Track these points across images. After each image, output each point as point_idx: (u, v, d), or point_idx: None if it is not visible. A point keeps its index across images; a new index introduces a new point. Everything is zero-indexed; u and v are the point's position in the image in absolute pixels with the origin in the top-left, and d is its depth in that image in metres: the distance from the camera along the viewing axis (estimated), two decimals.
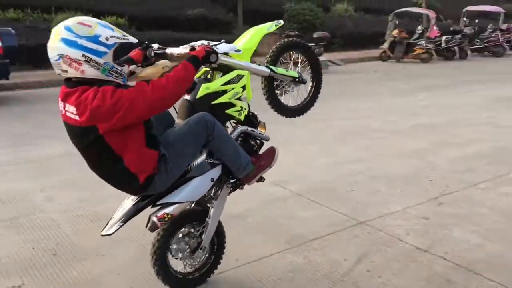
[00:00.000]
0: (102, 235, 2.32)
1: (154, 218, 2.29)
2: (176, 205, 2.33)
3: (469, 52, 17.07)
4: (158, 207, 2.31)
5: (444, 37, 15.90)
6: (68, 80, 2.06)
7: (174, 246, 2.51)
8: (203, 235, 2.57)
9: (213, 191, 2.60)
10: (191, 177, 2.38)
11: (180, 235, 2.52)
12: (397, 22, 16.19)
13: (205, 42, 2.44)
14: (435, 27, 16.12)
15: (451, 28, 17.05)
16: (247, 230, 3.43)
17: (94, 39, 1.99)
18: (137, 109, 1.99)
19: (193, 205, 2.61)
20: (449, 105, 8.19)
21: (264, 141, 2.83)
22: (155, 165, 2.20)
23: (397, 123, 6.80)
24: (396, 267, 2.89)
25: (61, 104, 2.08)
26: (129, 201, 2.36)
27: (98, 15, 14.47)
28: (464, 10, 19.21)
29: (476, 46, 17.73)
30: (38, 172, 4.71)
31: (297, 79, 2.93)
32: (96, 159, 2.16)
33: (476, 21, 19.59)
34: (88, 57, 1.97)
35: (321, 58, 12.76)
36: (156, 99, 2.03)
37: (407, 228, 3.42)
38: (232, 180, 2.61)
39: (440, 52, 15.97)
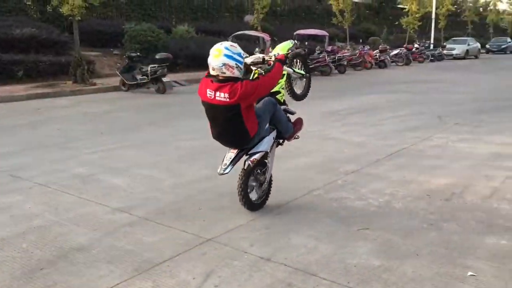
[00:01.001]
0: (220, 174, 3.90)
1: (249, 162, 3.88)
2: (259, 154, 3.92)
3: None
4: (249, 156, 3.90)
5: None
6: (215, 77, 3.62)
7: (251, 182, 4.05)
8: (266, 174, 4.15)
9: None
10: (263, 136, 3.99)
11: (252, 176, 4.04)
12: None
13: (261, 55, 4.15)
14: (270, 49, 17.34)
15: None
16: (92, 262, 3.26)
17: (240, 54, 3.58)
18: (262, 91, 3.73)
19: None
20: None
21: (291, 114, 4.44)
22: (257, 127, 3.82)
23: None
24: (242, 278, 3.02)
25: (211, 92, 3.62)
26: (231, 153, 3.91)
27: None
28: (294, 33, 21.02)
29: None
30: None
31: (303, 76, 4.60)
32: (229, 125, 3.73)
33: (306, 43, 21.58)
34: (237, 65, 3.55)
35: (164, 79, 12.82)
36: (270, 84, 3.82)
37: (251, 239, 3.60)
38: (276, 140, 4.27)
39: None
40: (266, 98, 3.97)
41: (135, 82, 13.01)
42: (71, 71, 13.96)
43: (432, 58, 29.22)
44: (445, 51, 31.80)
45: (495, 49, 41.20)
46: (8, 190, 4.83)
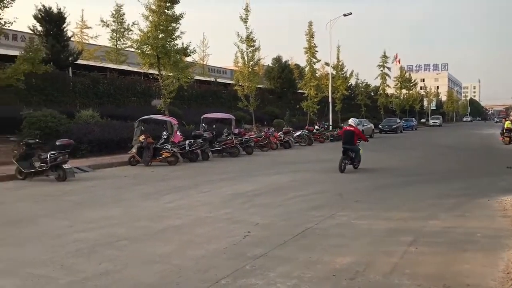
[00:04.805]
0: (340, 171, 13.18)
1: (352, 155, 14.09)
2: (355, 155, 14.12)
3: (210, 153, 18.88)
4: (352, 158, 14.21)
5: (187, 141, 17.27)
6: (349, 126, 14.46)
7: (345, 161, 14.02)
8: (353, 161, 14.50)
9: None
10: (356, 151, 14.25)
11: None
12: (142, 128, 16.94)
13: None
14: (178, 133, 17.45)
15: (192, 133, 18.73)
16: None
17: (357, 122, 15.54)
18: (360, 136, 14.58)
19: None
20: (194, 205, 8.73)
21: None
22: (356, 143, 14.22)
23: (145, 228, 6.85)
24: None
25: (348, 128, 14.32)
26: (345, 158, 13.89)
27: None
28: (202, 117, 21.45)
29: (216, 148, 19.75)
30: None
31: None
32: (349, 138, 13.98)
33: (214, 126, 22.04)
34: (355, 125, 14.57)
35: (65, 166, 12.23)
36: (362, 138, 14.89)
37: None
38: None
39: (185, 155, 17.22)
40: (358, 148, 13.99)
41: (32, 170, 12.25)
42: None
43: (332, 138, 31.13)
44: None
45: (387, 129, 45.01)
46: None
